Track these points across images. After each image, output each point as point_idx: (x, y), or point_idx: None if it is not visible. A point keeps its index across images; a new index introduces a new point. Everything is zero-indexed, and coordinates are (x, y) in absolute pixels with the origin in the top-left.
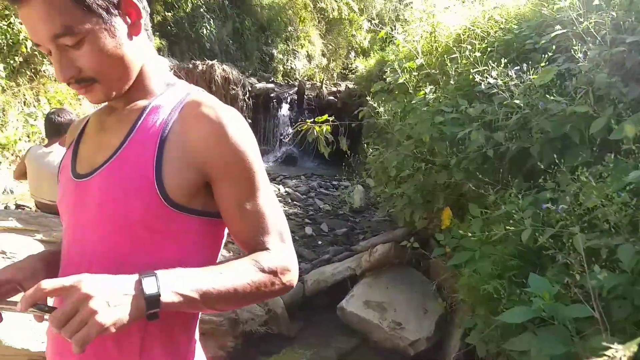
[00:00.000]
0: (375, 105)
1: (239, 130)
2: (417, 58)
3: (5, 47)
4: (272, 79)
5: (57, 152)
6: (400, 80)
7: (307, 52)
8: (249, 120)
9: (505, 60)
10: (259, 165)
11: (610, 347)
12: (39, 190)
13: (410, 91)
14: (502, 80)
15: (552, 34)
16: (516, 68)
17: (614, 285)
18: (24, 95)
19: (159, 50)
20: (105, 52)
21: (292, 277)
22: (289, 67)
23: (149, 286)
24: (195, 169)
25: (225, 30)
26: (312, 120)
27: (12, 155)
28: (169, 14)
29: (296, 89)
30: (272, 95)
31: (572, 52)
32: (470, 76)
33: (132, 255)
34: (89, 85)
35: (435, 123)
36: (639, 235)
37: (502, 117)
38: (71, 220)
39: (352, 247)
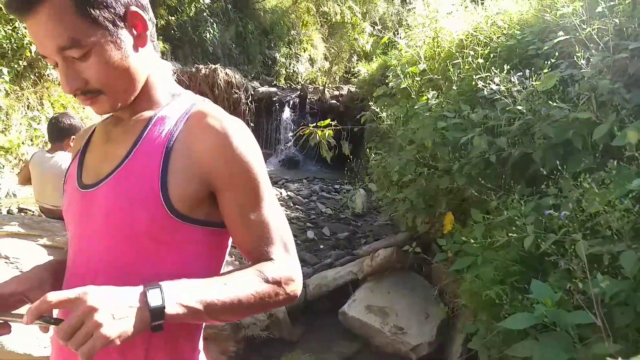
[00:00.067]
0: (378, 109)
1: (244, 141)
2: (420, 63)
3: (9, 51)
4: (275, 82)
5: (60, 157)
6: (403, 85)
7: (310, 55)
8: (252, 124)
9: (508, 66)
10: (263, 176)
11: (612, 356)
12: (42, 195)
13: (413, 96)
14: (504, 86)
15: (555, 40)
16: (519, 74)
17: (616, 292)
18: (28, 99)
19: (162, 54)
20: (111, 65)
21: (296, 287)
22: (292, 71)
23: (154, 298)
24: (200, 179)
25: (228, 34)
26: (314, 124)
27: (15, 159)
28: (173, 18)
29: (298, 92)
30: (274, 98)
31: (575, 59)
32: (473, 82)
33: (138, 266)
34: (94, 97)
35: (438, 128)
36: None
37: (505, 123)
38: (77, 230)
39: (354, 252)
